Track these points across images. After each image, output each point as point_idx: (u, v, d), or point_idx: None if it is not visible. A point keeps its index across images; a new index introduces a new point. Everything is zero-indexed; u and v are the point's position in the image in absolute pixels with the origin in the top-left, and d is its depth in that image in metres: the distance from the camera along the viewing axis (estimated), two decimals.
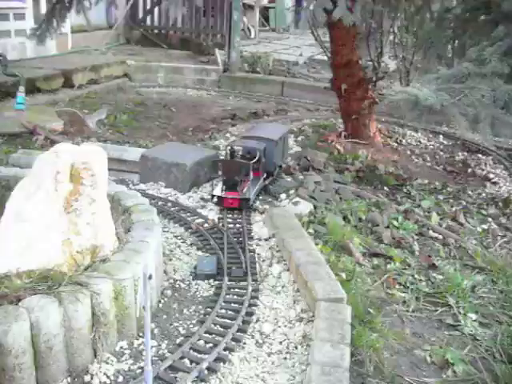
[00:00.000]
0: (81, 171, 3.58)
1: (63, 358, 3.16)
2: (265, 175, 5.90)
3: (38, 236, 3.41)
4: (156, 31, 15.07)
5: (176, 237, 4.97)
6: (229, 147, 5.75)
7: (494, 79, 4.63)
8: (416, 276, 4.79)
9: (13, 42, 10.78)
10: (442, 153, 8.41)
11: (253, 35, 18.01)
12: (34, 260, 3.36)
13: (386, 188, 6.64)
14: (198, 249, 4.78)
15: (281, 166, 6.43)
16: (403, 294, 4.53)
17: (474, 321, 4.26)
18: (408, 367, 3.73)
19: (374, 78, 8.12)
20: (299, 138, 8.05)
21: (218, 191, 5.52)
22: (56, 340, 3.08)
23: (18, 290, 3.16)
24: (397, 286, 4.61)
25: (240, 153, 5.74)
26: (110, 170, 3.91)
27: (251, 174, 5.55)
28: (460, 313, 4.32)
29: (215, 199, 5.53)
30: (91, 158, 3.63)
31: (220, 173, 5.64)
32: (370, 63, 8.53)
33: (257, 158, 5.60)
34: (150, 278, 2.12)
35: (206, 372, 3.28)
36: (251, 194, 5.49)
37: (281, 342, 3.64)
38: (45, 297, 3.10)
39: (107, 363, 3.32)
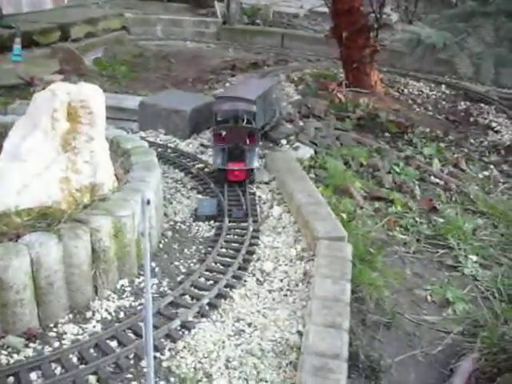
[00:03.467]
0: (78, 109, 3.54)
1: (64, 295, 3.17)
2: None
3: (35, 174, 3.39)
4: None
5: (176, 181, 4.94)
6: (217, 112, 4.86)
7: (499, 17, 4.53)
8: (417, 219, 4.79)
9: None
10: (444, 102, 8.30)
11: None
12: (33, 198, 3.35)
13: (387, 135, 6.58)
14: (199, 193, 4.76)
15: (263, 127, 5.55)
16: (404, 236, 4.54)
17: (475, 262, 4.28)
18: (408, 305, 3.76)
19: (375, 26, 7.95)
20: (300, 87, 7.93)
21: (219, 162, 4.74)
22: (57, 276, 3.08)
23: (17, 227, 3.16)
24: (398, 228, 4.62)
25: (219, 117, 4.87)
26: (108, 118, 3.87)
27: (257, 140, 4.88)
28: (461, 254, 4.34)
29: (216, 173, 4.83)
30: (88, 97, 3.59)
31: (216, 143, 4.80)
32: (373, 14, 8.35)
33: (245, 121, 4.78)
34: (149, 203, 2.08)
35: (206, 308, 3.30)
36: (256, 163, 4.84)
37: (281, 280, 3.65)
38: (44, 233, 3.09)
39: (108, 300, 3.34)
